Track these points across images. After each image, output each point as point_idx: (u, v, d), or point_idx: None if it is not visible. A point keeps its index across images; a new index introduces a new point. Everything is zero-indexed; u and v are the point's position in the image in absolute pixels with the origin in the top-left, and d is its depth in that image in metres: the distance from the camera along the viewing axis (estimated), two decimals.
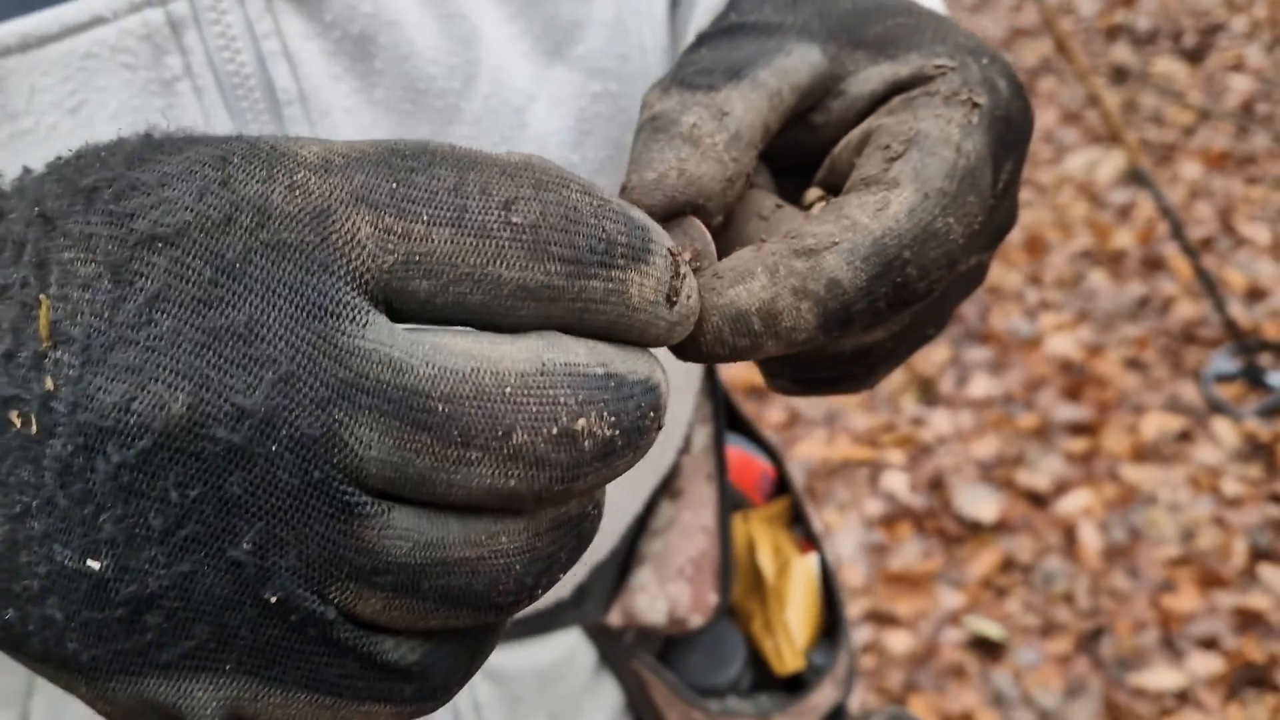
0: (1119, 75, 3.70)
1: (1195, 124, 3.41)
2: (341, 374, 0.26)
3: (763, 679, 0.73)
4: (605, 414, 0.28)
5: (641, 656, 0.67)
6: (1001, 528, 2.27)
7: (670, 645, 0.71)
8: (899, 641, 2.09)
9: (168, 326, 0.26)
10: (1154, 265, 2.90)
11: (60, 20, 0.42)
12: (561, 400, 0.27)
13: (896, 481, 2.41)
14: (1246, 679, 1.92)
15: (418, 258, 0.27)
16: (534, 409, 0.27)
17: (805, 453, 2.52)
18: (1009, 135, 0.38)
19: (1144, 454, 2.37)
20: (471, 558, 0.28)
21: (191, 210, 0.26)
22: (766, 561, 0.75)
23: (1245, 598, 2.04)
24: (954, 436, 2.49)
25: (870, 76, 0.39)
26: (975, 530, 2.27)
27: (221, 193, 0.26)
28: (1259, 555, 2.11)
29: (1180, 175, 3.20)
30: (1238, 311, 2.63)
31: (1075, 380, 2.58)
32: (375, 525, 0.27)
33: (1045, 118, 3.57)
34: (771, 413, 2.64)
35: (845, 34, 0.40)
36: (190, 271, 0.26)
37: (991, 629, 2.07)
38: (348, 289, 0.26)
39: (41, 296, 0.27)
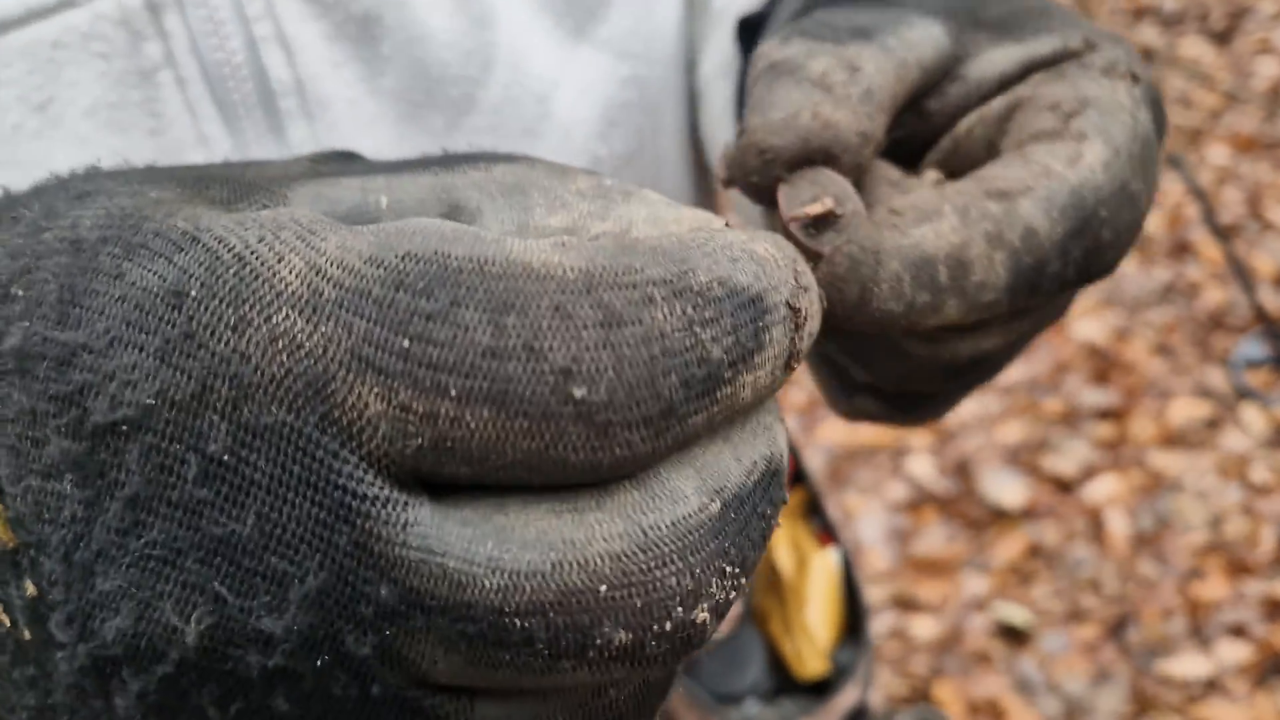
0: (1146, 57, 3.65)
1: (1223, 107, 3.37)
2: (387, 592, 0.20)
3: (783, 681, 0.72)
4: (729, 569, 0.22)
5: None
6: (1028, 514, 2.26)
7: None
8: (924, 627, 2.08)
9: (159, 535, 0.21)
10: (1182, 250, 2.87)
11: (24, 3, 0.37)
12: (674, 584, 0.21)
13: (921, 466, 2.40)
14: (1275, 667, 1.91)
15: (450, 444, 0.20)
16: (639, 604, 0.21)
17: (827, 437, 2.50)
18: (1159, 120, 0.34)
19: (1172, 440, 2.35)
20: None
21: (153, 386, 0.20)
22: (784, 558, 0.73)
23: (1273, 586, 2.03)
24: (979, 421, 2.48)
25: (996, 58, 0.35)
26: (1001, 516, 2.26)
27: (185, 357, 0.20)
28: None
29: (1208, 159, 3.16)
30: (1266, 297, 2.61)
31: (1102, 365, 2.56)
32: None
33: None
34: (793, 394, 2.62)
35: (964, 14, 0.36)
36: (170, 466, 0.21)
37: (1018, 616, 2.07)
38: (370, 478, 0.20)
39: None
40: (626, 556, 0.21)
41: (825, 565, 0.71)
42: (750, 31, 0.50)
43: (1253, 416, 2.36)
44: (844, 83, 0.31)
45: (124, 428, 0.21)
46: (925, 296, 0.28)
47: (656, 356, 0.20)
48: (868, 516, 2.30)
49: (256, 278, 0.20)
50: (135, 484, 0.21)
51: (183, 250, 0.21)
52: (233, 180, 0.25)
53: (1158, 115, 0.34)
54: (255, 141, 0.43)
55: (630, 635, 0.21)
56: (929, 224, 0.28)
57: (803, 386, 2.63)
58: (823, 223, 0.28)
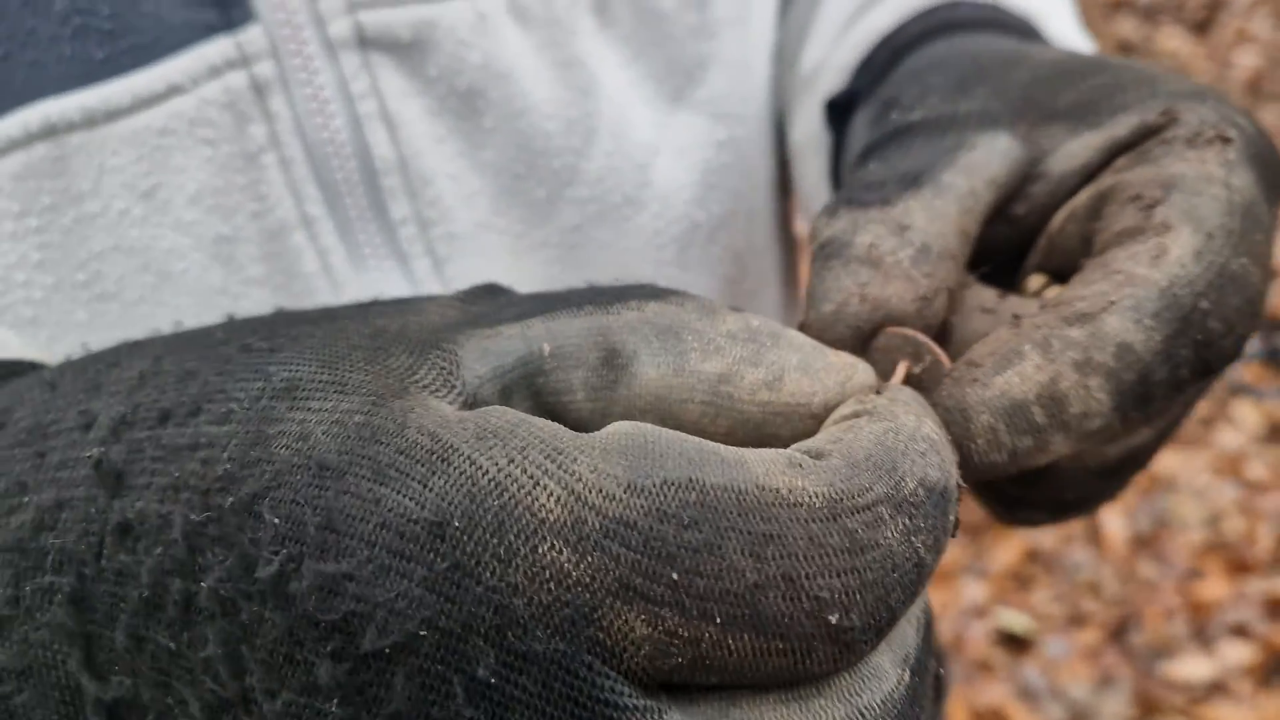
0: (1124, 50, 3.66)
1: None
2: None
3: None
4: None
5: None
6: None
7: None
8: None
9: None
10: None
11: (132, 91, 0.37)
12: None
13: None
14: (1279, 667, 1.90)
15: (709, 663, 0.21)
16: None
17: None
18: (1269, 174, 0.32)
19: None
20: None
21: (421, 614, 0.21)
22: None
23: (1274, 584, 2.02)
24: None
25: (1075, 150, 0.34)
26: (997, 520, 2.25)
27: (453, 587, 0.21)
28: None
29: None
30: None
31: None
32: None
33: None
34: None
35: (1033, 109, 0.35)
36: (436, 688, 0.21)
37: (1018, 621, 2.05)
38: (629, 690, 0.21)
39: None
40: None
41: None
42: (839, 109, 0.49)
43: (1246, 412, 2.36)
44: (893, 249, 0.31)
45: (390, 653, 0.21)
46: (1027, 441, 0.28)
47: (889, 574, 0.22)
48: None
49: (517, 506, 0.21)
50: (398, 703, 0.21)
51: (435, 473, 0.22)
52: (404, 336, 0.25)
53: (1265, 168, 0.32)
54: (357, 219, 0.42)
55: None
56: (1011, 368, 0.28)
57: None
58: (911, 382, 0.29)
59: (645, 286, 0.27)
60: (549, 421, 0.23)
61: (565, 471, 0.22)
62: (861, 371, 0.27)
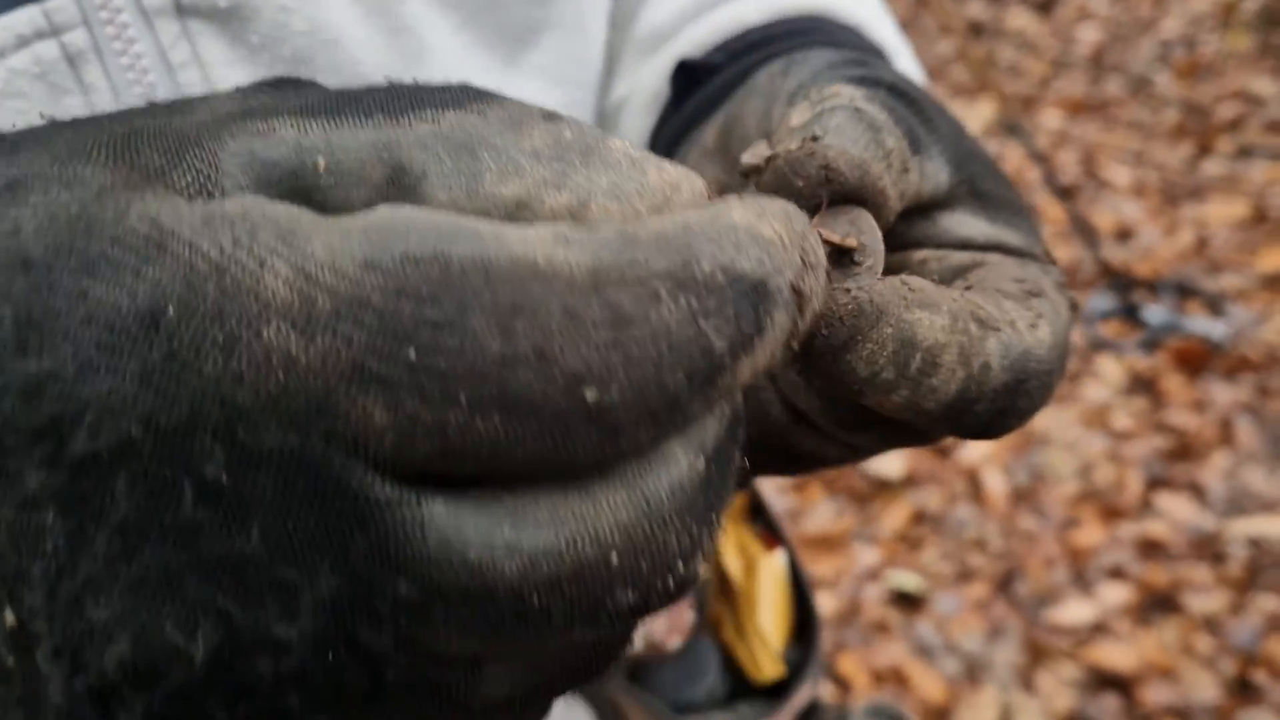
0: (976, 30, 3.79)
1: (1051, 74, 3.53)
2: (407, 588, 0.20)
3: (739, 685, 0.72)
4: (714, 516, 0.23)
5: (614, 679, 0.64)
6: (909, 481, 2.30)
7: (639, 664, 0.68)
8: (823, 603, 2.09)
9: (153, 560, 0.20)
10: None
11: None
12: (675, 544, 0.22)
13: None
14: (1154, 604, 1.99)
15: (460, 449, 0.20)
16: (645, 567, 0.22)
17: None
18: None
19: None
20: None
21: (136, 413, 0.19)
22: (733, 563, 0.72)
23: (1144, 526, 2.12)
24: None
25: (970, 224, 0.37)
26: (884, 486, 2.30)
27: (170, 380, 0.19)
28: (1153, 484, 2.20)
29: (1042, 124, 3.30)
30: (1109, 252, 2.73)
31: None
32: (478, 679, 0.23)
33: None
34: None
35: (965, 174, 0.37)
36: (162, 492, 0.20)
37: (910, 582, 2.10)
38: (380, 482, 0.20)
39: None
40: (633, 525, 0.21)
41: (773, 568, 0.70)
42: (680, 76, 0.50)
43: (1109, 367, 2.47)
44: (899, 174, 0.33)
45: (107, 457, 0.20)
46: (890, 374, 0.29)
47: (663, 353, 0.21)
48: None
49: (240, 290, 0.19)
50: (124, 511, 0.20)
51: (149, 261, 0.20)
52: (162, 134, 0.23)
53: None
54: None
55: (637, 595, 0.22)
56: (928, 312, 0.29)
57: None
58: (841, 259, 0.29)
59: (451, 89, 0.24)
60: (292, 206, 0.21)
61: (296, 251, 0.20)
62: (686, 189, 0.24)
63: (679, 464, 0.22)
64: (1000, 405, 0.31)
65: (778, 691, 0.69)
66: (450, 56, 0.46)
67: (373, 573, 0.20)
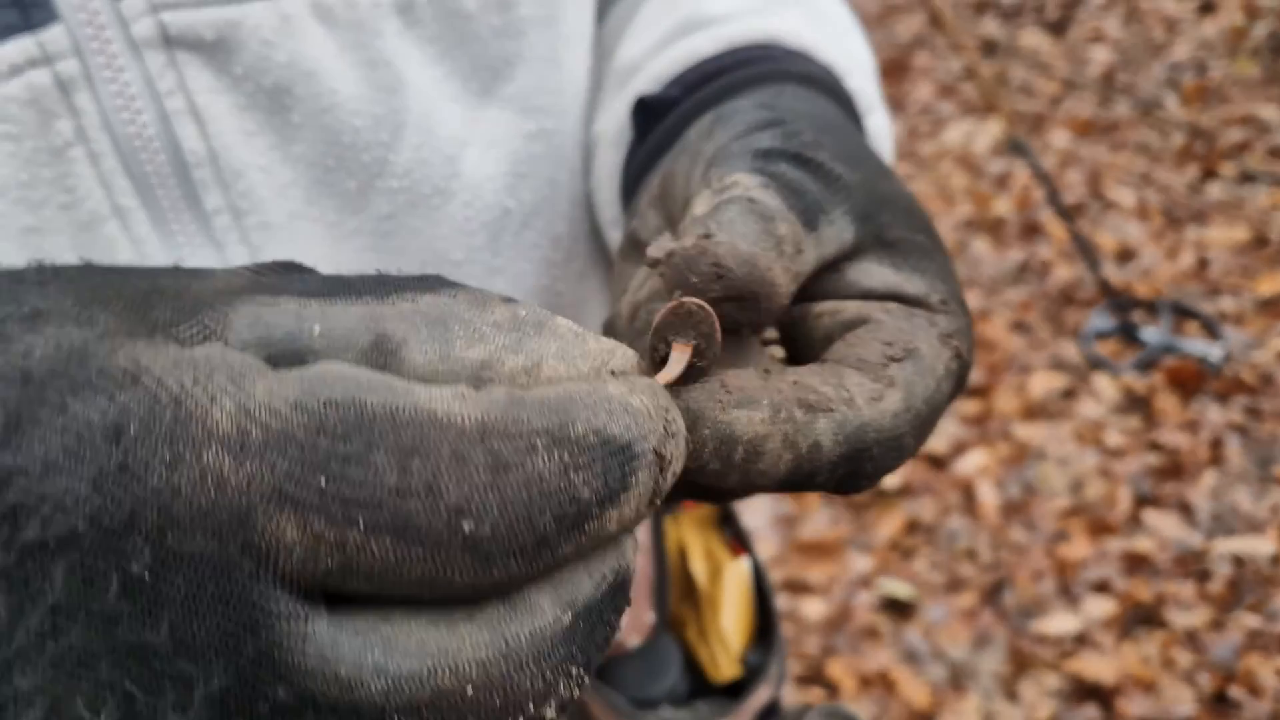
0: (989, 48, 3.83)
1: (1062, 94, 3.57)
2: (285, 693, 0.23)
3: (699, 685, 0.74)
4: (575, 670, 0.26)
5: None
6: (905, 492, 2.35)
7: (606, 660, 0.70)
8: (814, 608, 2.15)
9: (76, 640, 0.23)
10: (1032, 231, 3.03)
11: None
12: (529, 686, 0.25)
13: None
14: (1138, 618, 2.04)
15: (356, 567, 0.23)
16: (498, 703, 0.24)
17: None
18: (957, 391, 0.38)
19: (1033, 412, 2.48)
20: None
21: (85, 512, 0.22)
22: (699, 568, 0.75)
23: (1132, 542, 2.16)
24: None
25: (874, 273, 0.38)
26: (880, 496, 2.35)
27: (119, 488, 0.22)
28: (1142, 501, 2.24)
29: (1050, 144, 3.34)
30: (1110, 272, 2.78)
31: None
32: None
33: (922, 91, 3.68)
34: None
35: (873, 225, 0.39)
36: (93, 581, 0.23)
37: (901, 589, 2.15)
38: (278, 595, 0.23)
39: None
40: (490, 663, 0.24)
41: (738, 574, 0.74)
42: (645, 111, 0.52)
43: (1104, 385, 2.51)
44: (791, 258, 0.34)
45: (52, 546, 0.22)
46: (716, 465, 0.32)
47: (535, 497, 0.24)
48: (755, 505, 2.36)
49: (190, 418, 0.23)
50: (58, 594, 0.23)
51: (123, 389, 0.23)
52: (179, 295, 0.26)
53: (958, 388, 0.38)
54: (170, 210, 0.43)
55: None
56: (745, 410, 0.32)
57: None
58: (689, 373, 0.32)
59: (429, 278, 0.28)
60: (248, 355, 0.24)
61: (242, 392, 0.23)
62: (619, 356, 0.28)
63: (543, 614, 0.25)
64: (842, 474, 0.33)
65: (737, 692, 0.74)
66: (426, 88, 0.48)
67: (258, 676, 0.23)
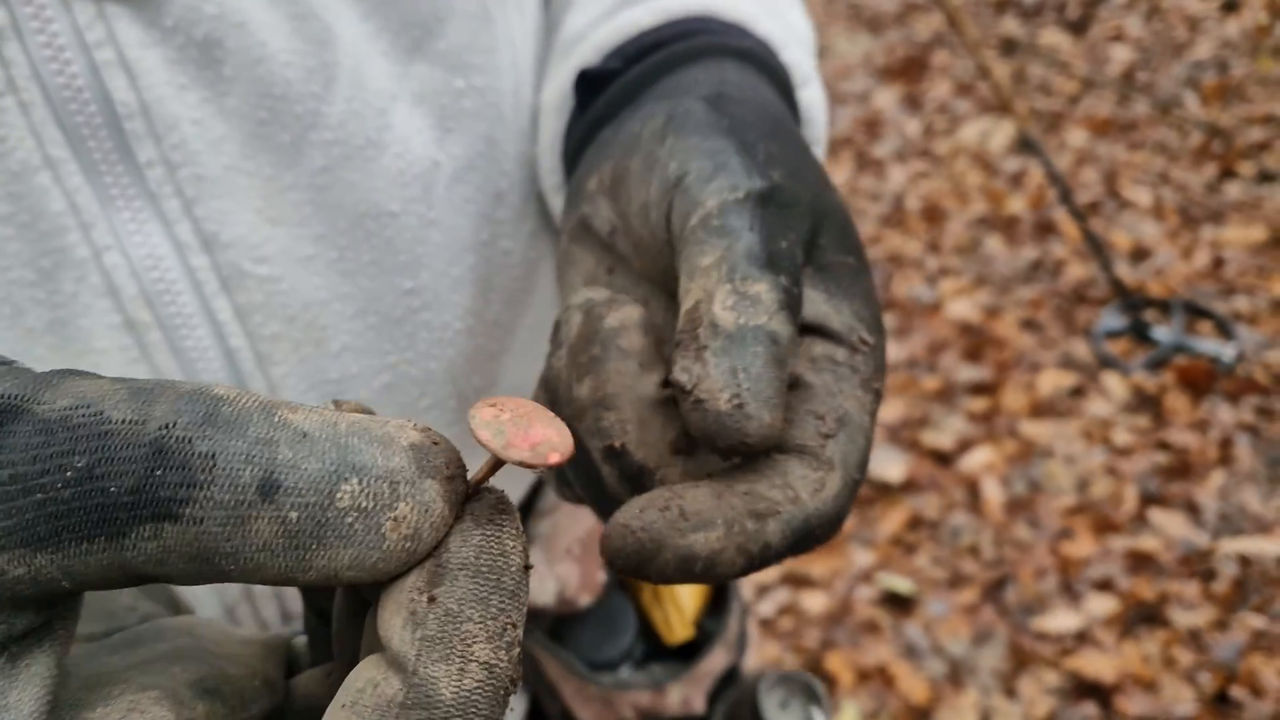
0: (1008, 47, 3.81)
1: (1080, 93, 3.54)
2: None
3: (654, 649, 0.75)
4: None
5: (533, 635, 0.68)
6: (909, 487, 2.35)
7: (561, 621, 0.71)
8: (815, 602, 2.15)
9: None
10: (1045, 229, 3.01)
11: None
12: None
13: None
14: (1140, 617, 2.02)
15: None
16: None
17: None
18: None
19: (1041, 410, 2.47)
20: None
21: None
22: None
23: (1136, 541, 2.15)
24: None
25: (809, 301, 0.39)
26: (885, 491, 2.35)
27: None
28: (1148, 500, 2.23)
29: (1067, 142, 3.32)
30: (1124, 271, 2.76)
31: (975, 342, 2.68)
32: None
33: (940, 90, 3.66)
34: None
35: (813, 250, 0.40)
36: None
37: (902, 584, 2.15)
38: None
39: None
40: None
41: None
42: (586, 82, 0.53)
43: (1114, 384, 2.49)
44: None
45: None
46: (678, 577, 0.34)
47: None
48: None
49: None
50: None
51: None
52: None
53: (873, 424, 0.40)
54: (103, 162, 0.44)
55: None
56: (702, 533, 0.34)
57: None
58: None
59: None
60: None
61: None
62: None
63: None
64: (789, 556, 0.36)
65: (691, 655, 0.75)
66: (356, 42, 0.48)
67: None
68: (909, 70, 3.75)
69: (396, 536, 0.24)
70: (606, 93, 0.51)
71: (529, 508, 0.68)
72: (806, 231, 0.39)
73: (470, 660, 0.23)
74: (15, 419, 0.23)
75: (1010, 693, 1.95)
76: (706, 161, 0.40)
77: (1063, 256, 2.90)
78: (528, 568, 0.25)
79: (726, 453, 0.35)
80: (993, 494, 2.30)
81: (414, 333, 0.54)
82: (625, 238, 0.44)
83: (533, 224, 0.60)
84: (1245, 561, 2.07)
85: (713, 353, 0.35)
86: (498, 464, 0.26)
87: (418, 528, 0.24)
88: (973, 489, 2.32)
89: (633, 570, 0.34)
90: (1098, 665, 1.95)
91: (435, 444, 0.25)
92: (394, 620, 0.24)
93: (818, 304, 0.39)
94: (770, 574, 2.18)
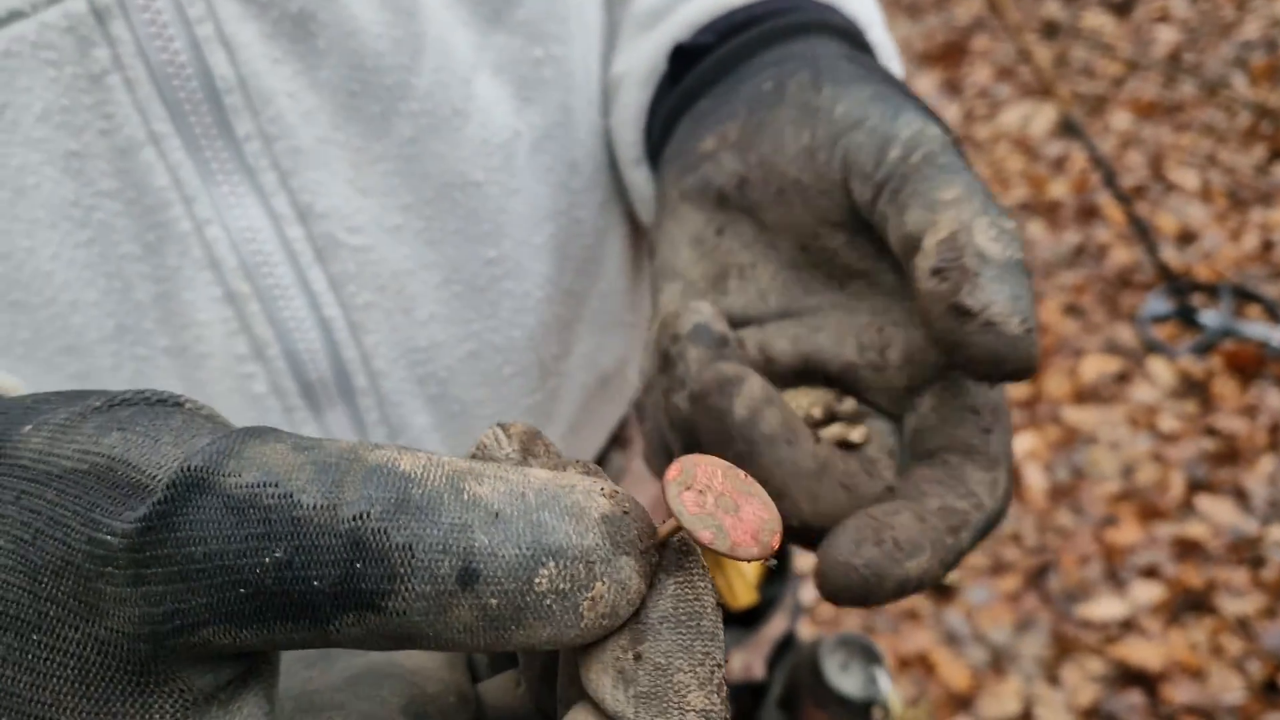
0: (1050, 30, 3.76)
1: (1125, 75, 3.48)
2: None
3: None
4: None
5: None
6: None
7: None
8: None
9: None
10: (1089, 214, 2.97)
11: None
12: None
13: None
14: (1187, 604, 1.99)
15: None
16: None
17: None
18: None
19: (1084, 396, 2.44)
20: None
21: None
22: None
23: (1183, 528, 2.11)
24: None
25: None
26: None
27: None
28: (1195, 487, 2.19)
29: (1112, 126, 3.27)
30: (1170, 255, 2.71)
31: None
32: None
33: (980, 75, 3.62)
34: None
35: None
36: None
37: None
38: None
39: None
40: None
41: None
42: (677, 55, 0.54)
43: (1160, 369, 2.45)
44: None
45: None
46: (893, 600, 0.36)
47: None
48: None
49: None
50: None
51: None
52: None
53: None
54: (203, 136, 0.46)
55: None
56: (915, 559, 0.36)
57: None
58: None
59: None
60: None
61: None
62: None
63: None
64: (970, 551, 0.38)
65: (752, 621, 0.75)
66: (439, 12, 0.50)
67: None
68: (948, 55, 3.71)
69: (594, 615, 0.24)
70: (699, 66, 0.52)
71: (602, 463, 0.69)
72: None
73: (687, 710, 0.24)
74: (204, 493, 0.23)
75: (1053, 680, 1.93)
76: (883, 105, 0.41)
77: (1107, 241, 2.86)
78: (719, 605, 0.26)
79: (1002, 378, 0.36)
80: (1035, 480, 2.27)
81: (497, 301, 0.55)
82: (763, 187, 0.44)
83: (603, 194, 0.61)
84: None
85: (989, 279, 0.35)
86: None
87: (614, 605, 0.24)
88: (1015, 476, 2.29)
89: (855, 602, 0.35)
90: (1143, 653, 1.92)
91: (626, 513, 0.25)
92: (603, 679, 0.24)
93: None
94: (810, 559, 2.17)
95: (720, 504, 0.25)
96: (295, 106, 0.46)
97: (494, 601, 0.23)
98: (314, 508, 0.23)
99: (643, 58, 0.57)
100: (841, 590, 0.35)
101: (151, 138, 0.45)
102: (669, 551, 0.26)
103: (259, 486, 0.23)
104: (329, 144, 0.48)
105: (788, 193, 0.43)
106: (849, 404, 0.42)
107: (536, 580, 0.23)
